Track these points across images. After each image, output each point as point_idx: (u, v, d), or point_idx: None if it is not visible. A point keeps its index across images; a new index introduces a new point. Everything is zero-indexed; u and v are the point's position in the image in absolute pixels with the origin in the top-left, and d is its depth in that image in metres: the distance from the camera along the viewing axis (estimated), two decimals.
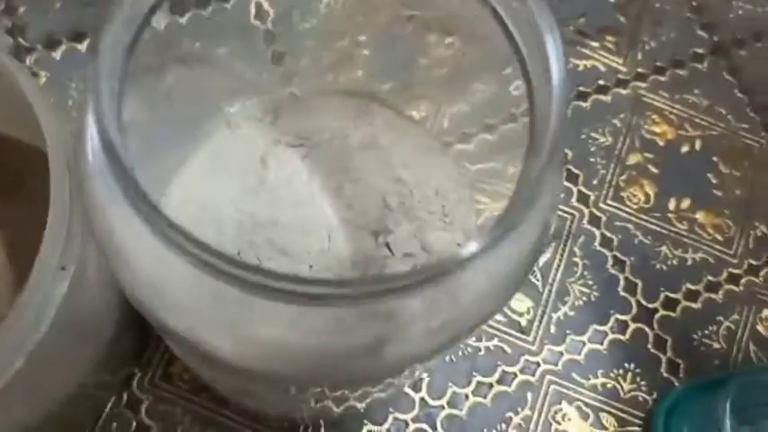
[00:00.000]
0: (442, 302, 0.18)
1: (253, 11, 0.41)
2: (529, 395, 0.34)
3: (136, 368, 0.33)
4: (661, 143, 0.40)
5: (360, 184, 0.29)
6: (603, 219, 0.38)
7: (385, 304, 0.17)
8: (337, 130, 0.30)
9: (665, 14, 0.42)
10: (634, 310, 0.36)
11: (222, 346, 0.18)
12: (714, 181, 0.39)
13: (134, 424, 0.32)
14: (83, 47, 0.38)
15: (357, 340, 0.18)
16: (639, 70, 0.41)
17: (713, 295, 0.37)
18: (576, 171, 0.39)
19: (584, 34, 0.42)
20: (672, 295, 0.37)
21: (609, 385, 0.35)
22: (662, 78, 0.41)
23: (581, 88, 0.41)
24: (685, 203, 0.39)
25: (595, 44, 0.41)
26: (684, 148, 0.40)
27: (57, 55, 0.38)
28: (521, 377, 0.35)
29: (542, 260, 0.36)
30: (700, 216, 0.38)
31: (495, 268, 0.19)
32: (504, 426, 0.34)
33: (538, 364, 0.35)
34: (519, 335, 0.35)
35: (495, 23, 0.21)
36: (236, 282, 0.15)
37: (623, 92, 0.41)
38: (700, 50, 0.42)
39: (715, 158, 0.40)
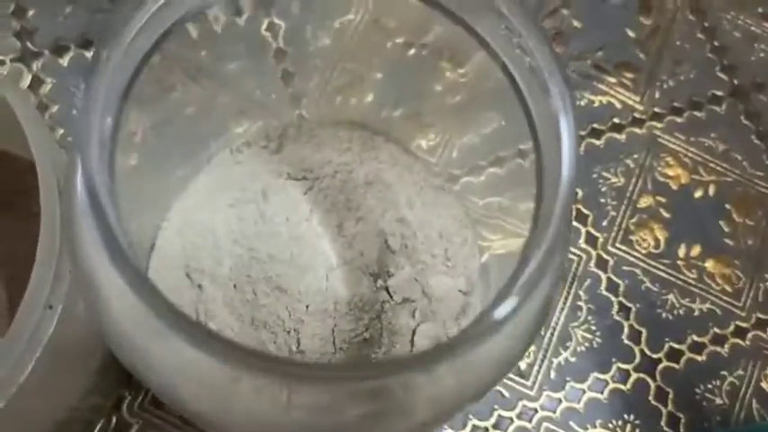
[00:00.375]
0: (446, 377, 0.18)
1: (264, 26, 0.40)
2: None
3: (127, 391, 0.33)
4: (674, 187, 0.39)
5: (362, 224, 0.28)
6: (611, 262, 0.37)
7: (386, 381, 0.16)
8: (342, 164, 0.29)
9: (686, 53, 0.42)
10: (637, 360, 0.36)
11: (204, 412, 0.18)
12: (726, 229, 0.38)
13: None
14: (90, 53, 0.38)
15: (352, 416, 0.17)
16: (656, 109, 0.40)
17: (719, 348, 0.36)
18: (585, 211, 0.38)
19: (601, 69, 0.41)
20: (676, 346, 0.36)
21: None
22: (678, 119, 0.40)
23: (595, 125, 0.40)
24: (695, 251, 0.38)
25: (612, 80, 0.41)
26: (698, 193, 0.39)
27: (64, 61, 0.37)
28: (517, 422, 0.34)
29: None
30: (709, 265, 0.38)
31: (498, 345, 0.18)
32: None
33: (536, 411, 0.34)
34: (518, 379, 0.35)
35: (513, 94, 0.20)
36: (221, 357, 0.15)
37: (638, 131, 0.40)
38: (719, 93, 0.41)
39: (728, 206, 0.39)
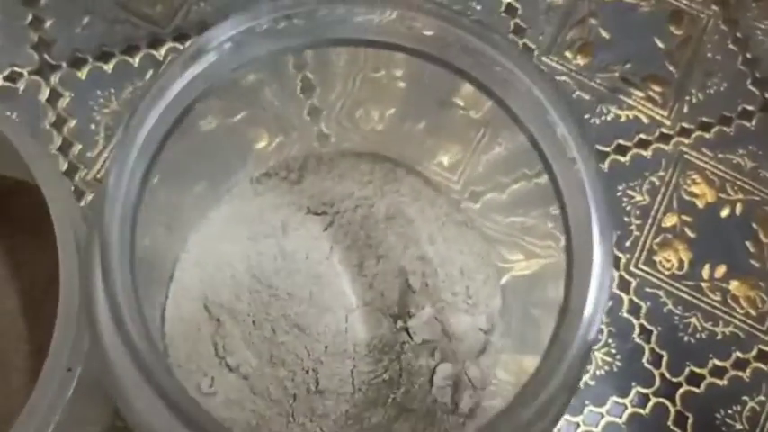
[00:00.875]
0: None
1: None
2: None
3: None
4: (700, 205, 0.38)
5: (383, 263, 0.27)
6: (633, 284, 0.37)
7: None
8: (363, 198, 0.29)
9: (717, 65, 0.40)
10: (657, 384, 0.35)
11: None
12: (752, 250, 0.38)
13: None
14: (108, 67, 0.37)
15: None
16: (684, 125, 0.39)
17: (740, 373, 0.36)
18: None
19: (628, 82, 0.40)
20: (698, 370, 0.36)
21: None
22: (707, 135, 0.39)
23: (620, 141, 0.39)
24: (720, 272, 0.37)
25: (640, 93, 0.39)
26: (724, 213, 0.38)
27: (82, 74, 0.37)
28: None
29: None
30: (734, 287, 0.37)
31: None
32: None
33: None
34: None
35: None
36: None
37: (665, 147, 0.39)
38: (749, 107, 0.40)
39: (755, 225, 0.38)
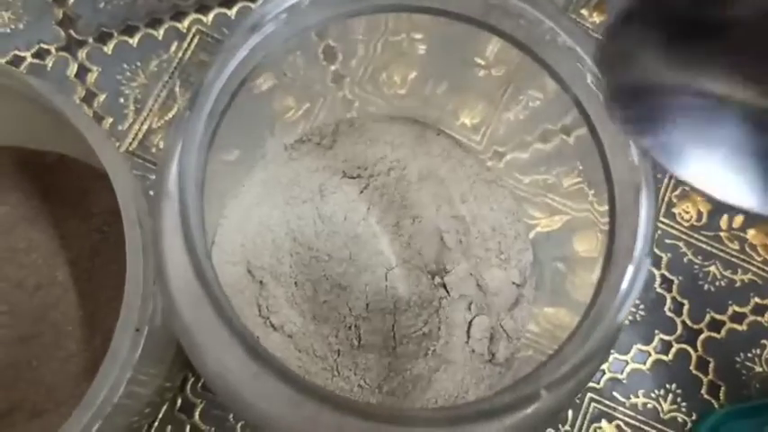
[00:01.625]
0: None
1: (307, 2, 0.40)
2: (570, 412, 0.35)
3: (189, 372, 0.34)
4: None
5: (418, 222, 0.28)
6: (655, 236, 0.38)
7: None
8: (395, 160, 0.30)
9: None
10: (679, 331, 0.37)
11: None
12: None
13: (188, 427, 0.34)
14: (133, 40, 0.38)
15: None
16: None
17: (759, 318, 0.37)
18: None
19: None
20: (718, 316, 0.37)
21: (649, 405, 0.36)
22: None
23: None
24: (737, 221, 0.38)
25: None
26: None
27: (108, 49, 0.38)
28: None
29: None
30: (750, 235, 0.38)
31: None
32: None
33: None
34: None
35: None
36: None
37: None
38: None
39: None
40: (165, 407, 0.34)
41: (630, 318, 0.36)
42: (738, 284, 0.37)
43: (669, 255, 0.37)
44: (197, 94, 0.17)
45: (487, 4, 0.22)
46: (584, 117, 0.22)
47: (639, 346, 0.36)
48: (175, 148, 0.18)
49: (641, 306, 0.37)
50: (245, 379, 0.17)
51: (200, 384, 0.34)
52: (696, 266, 0.37)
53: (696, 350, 0.36)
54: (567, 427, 0.35)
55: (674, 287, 0.37)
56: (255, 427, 0.19)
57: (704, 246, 0.38)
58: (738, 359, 0.37)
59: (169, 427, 0.34)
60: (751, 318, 0.37)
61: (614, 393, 0.36)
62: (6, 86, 0.25)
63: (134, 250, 0.21)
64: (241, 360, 0.16)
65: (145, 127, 0.37)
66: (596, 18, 0.40)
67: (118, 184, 0.22)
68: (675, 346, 0.36)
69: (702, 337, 0.37)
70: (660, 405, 0.36)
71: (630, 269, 0.19)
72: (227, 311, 0.16)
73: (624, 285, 0.19)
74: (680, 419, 0.36)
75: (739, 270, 0.38)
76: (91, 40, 0.38)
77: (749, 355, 0.37)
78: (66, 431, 0.20)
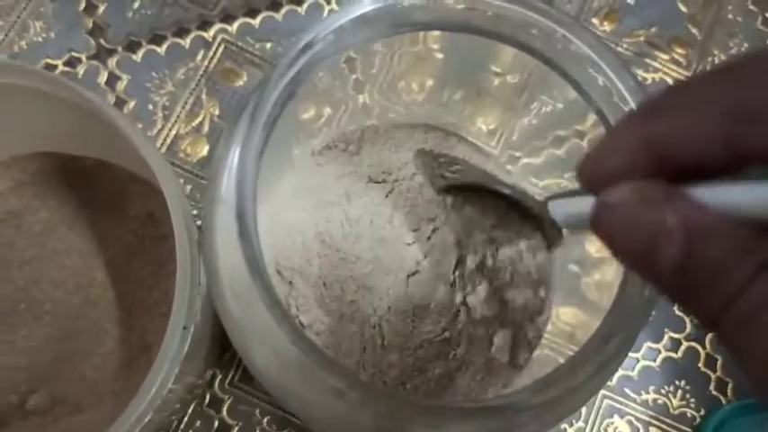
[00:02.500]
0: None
1: (326, 12, 0.41)
2: (583, 408, 0.37)
3: (217, 369, 0.36)
4: None
5: (440, 231, 0.30)
6: None
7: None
8: None
9: (737, 26, 0.42)
10: (688, 329, 0.38)
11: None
12: None
13: (216, 423, 0.35)
14: (161, 49, 0.39)
15: None
16: None
17: None
18: None
19: (654, 45, 0.42)
20: None
21: (660, 401, 0.37)
22: None
23: None
24: None
25: (665, 56, 0.41)
26: None
27: (137, 57, 0.39)
28: None
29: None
30: None
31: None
32: None
33: None
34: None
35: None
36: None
37: None
38: None
39: None
40: (194, 403, 0.35)
41: None
42: None
43: None
44: (257, 106, 0.19)
45: (499, 16, 0.24)
46: (603, 120, 0.23)
47: (650, 344, 0.38)
48: (228, 157, 0.19)
49: None
50: (292, 369, 0.18)
51: (227, 381, 0.36)
52: None
53: (704, 348, 0.38)
54: (580, 423, 0.36)
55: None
56: (300, 414, 0.21)
57: None
58: None
59: (198, 422, 0.35)
60: None
61: (626, 390, 0.37)
62: (45, 92, 0.27)
63: (183, 252, 0.22)
64: (289, 351, 0.18)
65: (173, 133, 0.38)
66: (606, 27, 0.42)
67: (167, 188, 0.23)
68: (684, 344, 0.38)
69: (710, 335, 0.38)
70: (670, 401, 0.37)
71: None
72: (281, 305, 0.18)
73: (647, 291, 0.21)
74: (689, 415, 0.37)
75: None
76: (120, 48, 0.39)
77: None
78: (121, 422, 0.21)
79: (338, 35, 0.21)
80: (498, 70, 0.34)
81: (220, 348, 0.36)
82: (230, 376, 0.36)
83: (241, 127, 0.19)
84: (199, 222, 0.27)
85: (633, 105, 0.24)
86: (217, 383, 0.36)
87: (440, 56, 0.35)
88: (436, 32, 0.33)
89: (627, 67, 0.24)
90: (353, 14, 0.21)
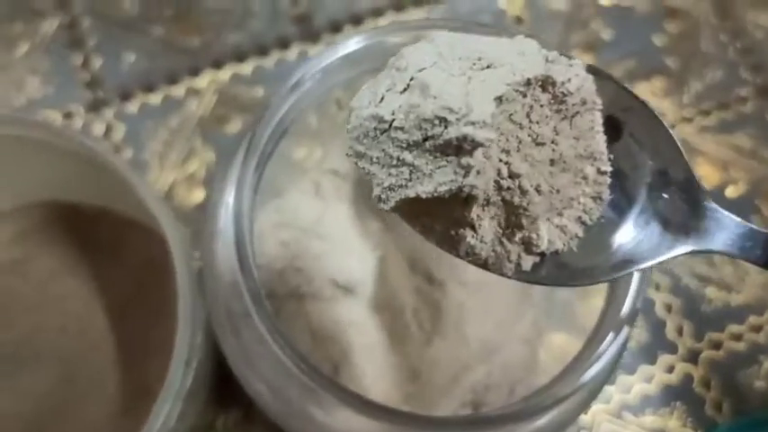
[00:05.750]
0: None
1: None
2: None
3: (219, 410, 0.36)
4: (707, 186, 0.41)
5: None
6: None
7: None
8: None
9: (712, 57, 0.44)
10: (680, 351, 0.39)
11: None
12: (758, 224, 0.41)
13: None
14: (156, 99, 0.41)
15: None
16: (686, 114, 0.43)
17: (755, 336, 0.39)
18: None
19: (632, 77, 0.43)
20: (716, 337, 0.39)
21: (657, 423, 0.37)
22: (707, 122, 0.43)
23: None
24: None
25: (644, 88, 0.43)
26: (729, 191, 0.42)
27: (133, 108, 0.40)
28: None
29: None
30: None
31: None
32: None
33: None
34: None
35: None
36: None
37: None
38: (744, 93, 0.43)
39: (757, 202, 0.41)
40: None
41: (634, 341, 0.39)
42: (734, 305, 0.40)
43: (668, 279, 0.40)
44: (249, 144, 0.20)
45: None
46: None
47: (644, 366, 0.38)
48: (224, 193, 0.20)
49: (644, 328, 0.39)
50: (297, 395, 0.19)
51: (230, 421, 0.36)
52: (693, 289, 0.40)
53: (698, 369, 0.38)
54: None
55: (673, 310, 0.39)
56: None
57: (701, 270, 0.40)
58: (739, 376, 0.39)
59: None
60: (748, 335, 0.39)
61: (623, 413, 0.38)
62: (47, 142, 0.28)
63: (184, 289, 0.23)
64: (294, 377, 0.18)
65: (170, 179, 0.39)
66: (586, 60, 0.43)
67: (168, 230, 0.24)
68: (678, 366, 0.38)
69: (703, 355, 0.39)
70: (667, 422, 0.37)
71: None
72: (282, 332, 0.18)
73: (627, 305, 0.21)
74: None
75: (733, 291, 0.40)
76: (116, 100, 0.40)
77: (748, 371, 0.39)
78: None
79: (325, 74, 0.22)
80: None
81: (221, 389, 0.36)
82: (232, 417, 0.36)
83: (236, 163, 0.20)
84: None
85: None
86: (219, 424, 0.36)
87: None
88: None
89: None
90: (339, 54, 0.22)
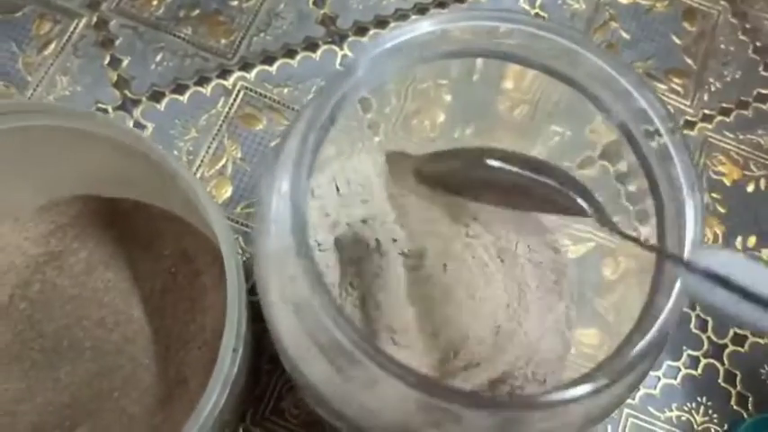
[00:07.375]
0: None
1: (339, 60, 0.43)
2: (609, 428, 0.37)
3: (251, 406, 0.36)
4: (727, 183, 0.42)
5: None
6: None
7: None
8: None
9: (730, 55, 0.44)
10: (705, 346, 0.39)
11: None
12: None
13: None
14: (183, 98, 0.41)
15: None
16: (706, 111, 0.43)
17: None
18: None
19: (652, 77, 0.44)
20: (740, 331, 0.39)
21: (683, 418, 0.38)
22: (727, 119, 0.43)
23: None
24: (751, 241, 0.41)
25: (663, 86, 0.43)
26: (750, 188, 0.42)
27: (161, 106, 0.41)
28: None
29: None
30: (765, 254, 0.41)
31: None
32: None
33: None
34: None
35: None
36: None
37: (691, 133, 0.43)
38: (763, 91, 0.44)
39: None
40: None
41: None
42: None
43: None
44: (306, 134, 0.20)
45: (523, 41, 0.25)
46: (626, 135, 0.24)
47: (669, 362, 0.39)
48: (276, 179, 0.20)
49: None
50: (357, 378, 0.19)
51: (259, 415, 0.36)
52: None
53: (723, 364, 0.39)
54: None
55: (698, 306, 0.40)
56: (361, 421, 0.21)
57: None
58: (763, 370, 0.39)
59: None
60: None
61: (649, 408, 0.38)
62: (85, 131, 0.28)
63: (233, 280, 0.23)
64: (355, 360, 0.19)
65: (198, 176, 0.39)
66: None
67: (218, 223, 0.24)
68: (703, 361, 0.39)
69: (728, 351, 0.39)
70: (693, 417, 0.38)
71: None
72: (344, 314, 0.19)
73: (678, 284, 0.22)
74: (713, 430, 0.38)
75: None
76: (144, 98, 0.41)
77: None
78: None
79: (375, 63, 0.22)
80: (507, 103, 0.36)
81: (252, 384, 0.36)
82: (261, 410, 0.36)
83: (289, 151, 0.21)
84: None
85: (655, 119, 0.26)
86: (249, 417, 0.36)
87: (448, 93, 0.36)
88: (443, 70, 0.35)
89: (646, 82, 0.25)
90: (387, 44, 0.23)
